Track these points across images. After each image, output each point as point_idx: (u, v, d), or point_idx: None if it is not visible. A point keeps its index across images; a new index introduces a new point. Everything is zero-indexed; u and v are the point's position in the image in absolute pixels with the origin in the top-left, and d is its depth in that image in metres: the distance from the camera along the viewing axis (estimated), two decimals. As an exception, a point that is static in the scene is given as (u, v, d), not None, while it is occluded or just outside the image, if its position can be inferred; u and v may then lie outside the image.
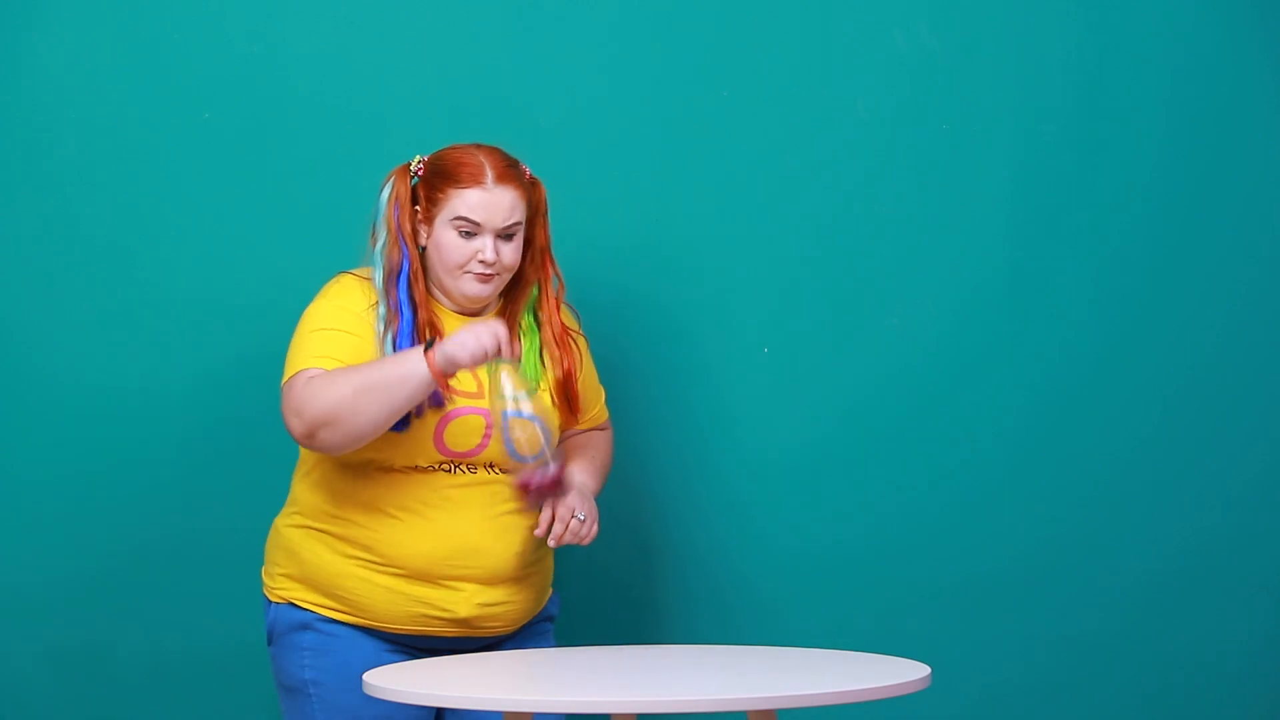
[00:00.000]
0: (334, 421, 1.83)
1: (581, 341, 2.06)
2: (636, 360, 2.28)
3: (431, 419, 1.91)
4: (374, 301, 1.94)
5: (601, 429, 2.12)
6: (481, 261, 1.93)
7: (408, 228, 1.95)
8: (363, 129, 2.27)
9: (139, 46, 2.24)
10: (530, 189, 1.98)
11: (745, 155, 2.31)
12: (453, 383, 1.89)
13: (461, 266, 1.94)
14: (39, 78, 2.24)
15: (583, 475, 2.00)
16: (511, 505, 1.92)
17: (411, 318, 1.92)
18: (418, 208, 1.96)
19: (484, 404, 1.92)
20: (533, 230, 1.99)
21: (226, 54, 2.25)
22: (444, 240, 1.94)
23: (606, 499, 2.03)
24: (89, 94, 2.24)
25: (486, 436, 1.93)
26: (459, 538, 1.91)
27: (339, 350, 1.91)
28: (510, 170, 1.96)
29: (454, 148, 1.98)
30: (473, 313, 1.98)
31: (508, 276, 1.97)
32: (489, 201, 1.93)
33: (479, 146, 1.98)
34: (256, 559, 2.02)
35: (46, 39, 2.24)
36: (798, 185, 2.31)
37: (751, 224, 2.32)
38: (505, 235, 1.94)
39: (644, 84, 2.30)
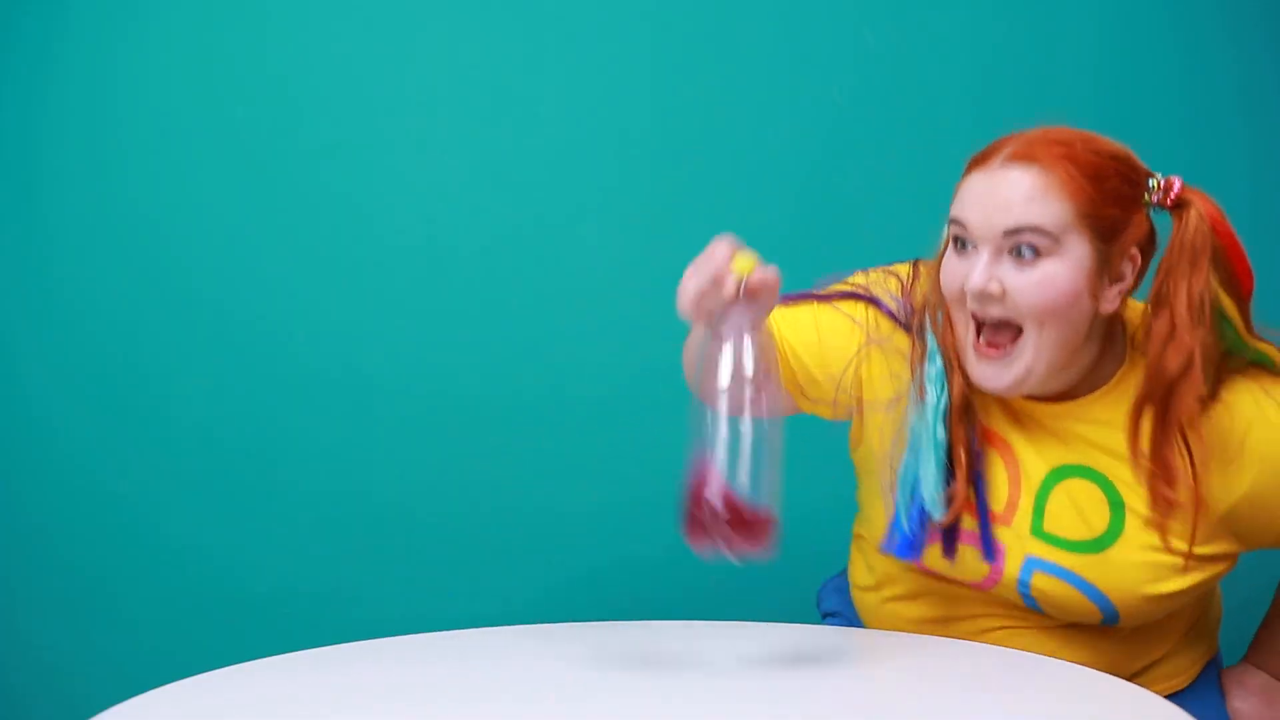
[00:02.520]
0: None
1: None
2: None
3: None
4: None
5: None
6: (968, 295, 1.34)
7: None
8: (378, 128, 2.27)
9: (164, 45, 2.24)
10: (1094, 185, 1.34)
11: (743, 151, 2.31)
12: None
13: (955, 303, 1.38)
14: (83, 75, 2.23)
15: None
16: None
17: (937, 392, 1.40)
18: None
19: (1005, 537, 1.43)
20: (1173, 281, 1.35)
21: (249, 54, 2.25)
22: (945, 263, 1.40)
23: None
24: (122, 91, 2.23)
25: (990, 579, 1.45)
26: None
27: (795, 338, 1.49)
28: (1052, 147, 1.34)
29: None
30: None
31: (1041, 333, 1.34)
32: (988, 188, 1.35)
33: (1048, 126, 1.40)
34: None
35: (90, 37, 2.23)
36: (787, 177, 2.31)
37: (751, 223, 2.32)
38: (1013, 249, 1.34)
39: (642, 80, 2.31)
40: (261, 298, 2.26)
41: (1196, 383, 1.35)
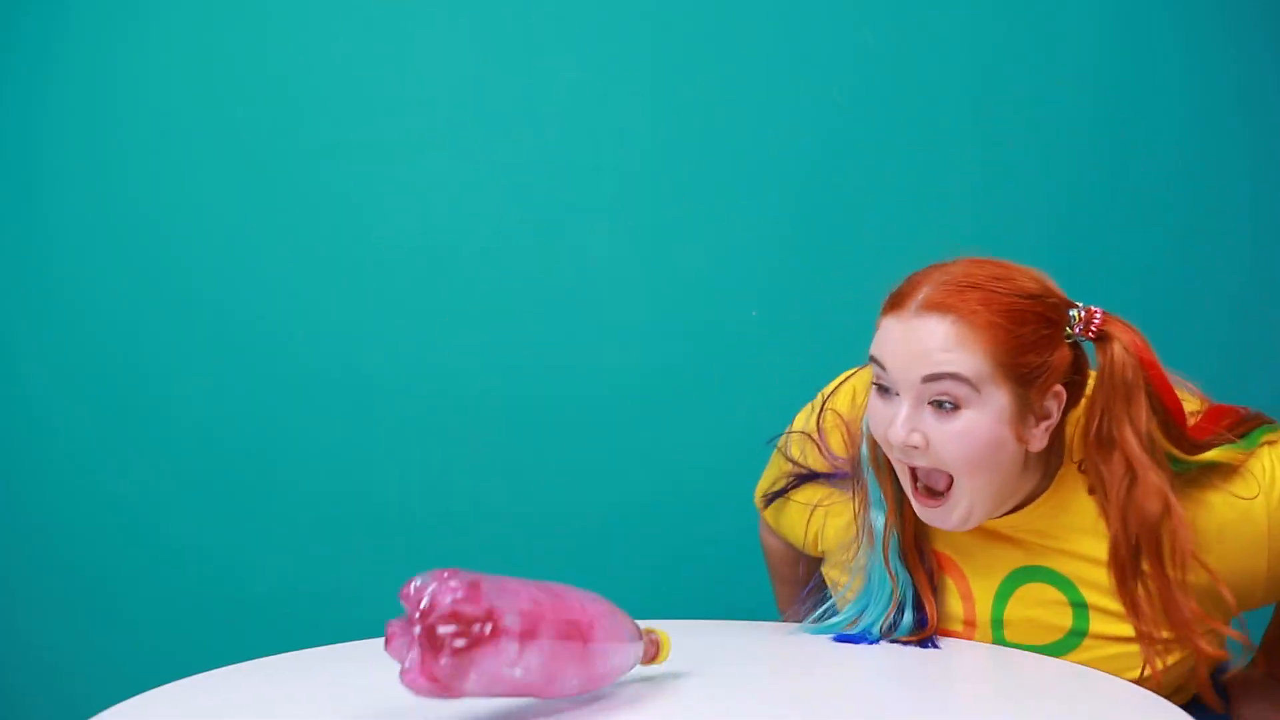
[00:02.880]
0: None
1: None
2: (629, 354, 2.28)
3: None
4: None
5: None
6: (893, 446, 1.35)
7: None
8: (378, 130, 2.27)
9: (164, 45, 2.24)
10: (1005, 335, 1.32)
11: (743, 151, 2.31)
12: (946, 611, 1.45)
13: (883, 445, 1.38)
14: (81, 76, 2.23)
15: None
16: None
17: (882, 536, 1.44)
18: None
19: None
20: (1113, 419, 1.35)
21: (249, 54, 2.25)
22: (869, 405, 1.40)
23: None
24: (122, 91, 2.24)
25: None
26: None
27: (788, 520, 1.59)
28: (963, 295, 1.32)
29: (934, 264, 1.40)
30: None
31: (972, 483, 1.35)
32: (904, 335, 1.34)
33: (958, 262, 1.38)
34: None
35: (88, 36, 2.23)
36: (784, 174, 2.32)
37: (751, 223, 2.32)
38: (933, 399, 1.33)
39: (642, 81, 2.31)
40: (261, 298, 2.26)
41: (1180, 520, 1.35)
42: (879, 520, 1.45)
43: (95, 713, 1.27)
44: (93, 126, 2.24)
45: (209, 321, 2.25)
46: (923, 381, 1.33)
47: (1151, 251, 2.33)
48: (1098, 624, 1.42)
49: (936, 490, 1.38)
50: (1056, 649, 1.43)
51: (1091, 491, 1.40)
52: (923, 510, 1.40)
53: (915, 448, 1.35)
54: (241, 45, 2.25)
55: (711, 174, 2.29)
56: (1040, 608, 1.43)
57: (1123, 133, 2.32)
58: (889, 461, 1.42)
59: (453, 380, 2.27)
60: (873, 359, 1.38)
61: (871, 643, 1.47)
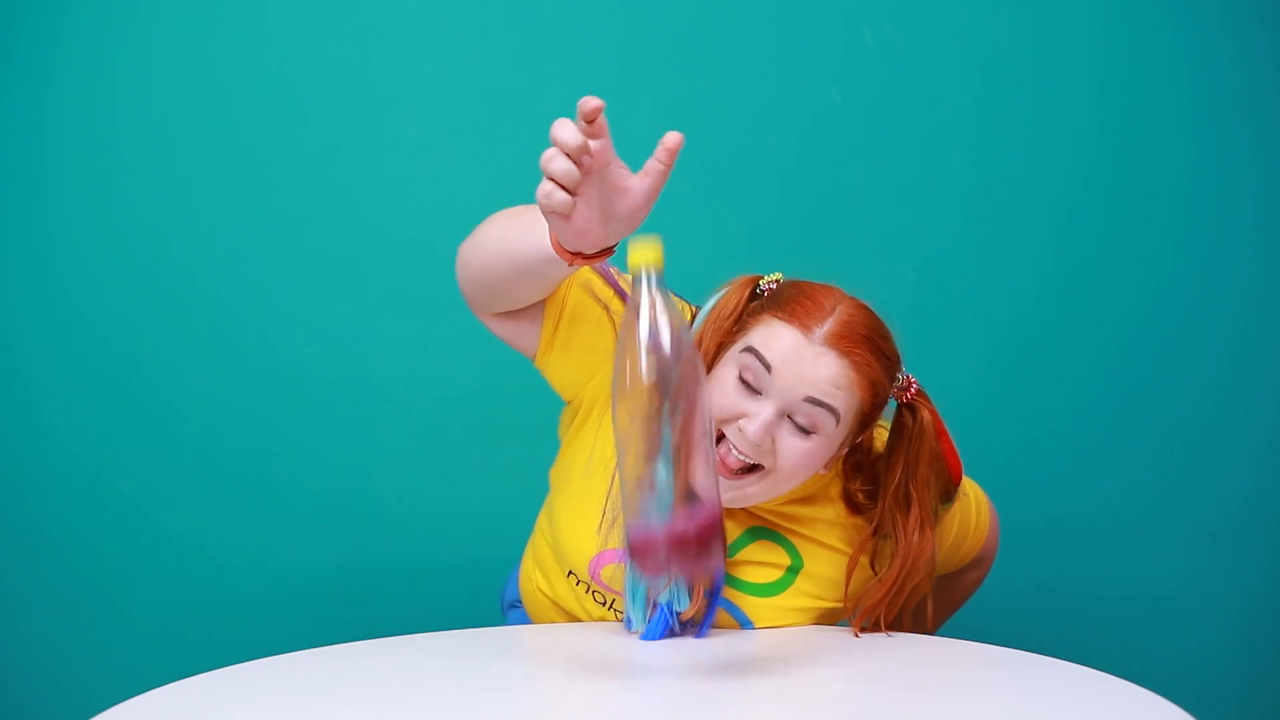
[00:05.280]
0: (461, 255, 1.57)
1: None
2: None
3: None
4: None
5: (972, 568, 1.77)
6: (741, 434, 1.42)
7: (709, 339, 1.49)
8: (374, 129, 2.27)
9: (164, 45, 2.24)
10: (876, 390, 1.47)
11: (742, 151, 2.31)
12: None
13: (719, 422, 1.43)
14: (76, 77, 2.23)
15: None
16: None
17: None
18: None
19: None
20: (920, 481, 1.54)
21: (249, 54, 2.25)
22: (719, 376, 1.44)
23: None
24: (122, 92, 2.24)
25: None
26: None
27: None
28: (861, 346, 1.44)
29: (819, 284, 1.51)
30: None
31: (779, 485, 1.46)
32: (800, 354, 1.42)
33: (848, 299, 1.48)
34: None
35: (85, 39, 2.23)
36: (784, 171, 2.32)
37: (750, 222, 2.33)
38: (802, 423, 1.43)
39: (642, 80, 2.31)
40: (262, 298, 2.26)
41: (935, 558, 1.56)
42: (664, 472, 1.32)
43: (95, 713, 1.27)
44: (93, 126, 2.24)
45: (209, 322, 2.25)
46: (804, 400, 1.43)
47: (1152, 252, 2.33)
48: (803, 586, 1.57)
49: (743, 469, 1.46)
50: (770, 589, 1.56)
51: (871, 522, 1.57)
52: (722, 481, 1.43)
53: (762, 449, 1.44)
54: (241, 45, 2.25)
55: (710, 174, 2.30)
56: (764, 555, 1.57)
57: (1123, 133, 2.33)
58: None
59: (453, 380, 2.27)
60: (755, 352, 1.44)
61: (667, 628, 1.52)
